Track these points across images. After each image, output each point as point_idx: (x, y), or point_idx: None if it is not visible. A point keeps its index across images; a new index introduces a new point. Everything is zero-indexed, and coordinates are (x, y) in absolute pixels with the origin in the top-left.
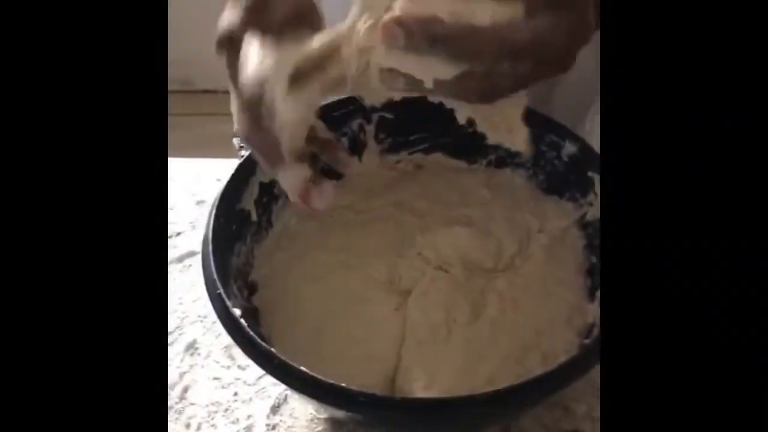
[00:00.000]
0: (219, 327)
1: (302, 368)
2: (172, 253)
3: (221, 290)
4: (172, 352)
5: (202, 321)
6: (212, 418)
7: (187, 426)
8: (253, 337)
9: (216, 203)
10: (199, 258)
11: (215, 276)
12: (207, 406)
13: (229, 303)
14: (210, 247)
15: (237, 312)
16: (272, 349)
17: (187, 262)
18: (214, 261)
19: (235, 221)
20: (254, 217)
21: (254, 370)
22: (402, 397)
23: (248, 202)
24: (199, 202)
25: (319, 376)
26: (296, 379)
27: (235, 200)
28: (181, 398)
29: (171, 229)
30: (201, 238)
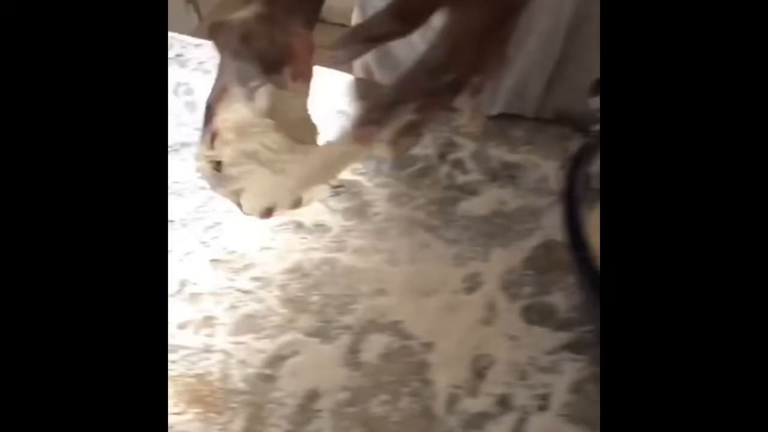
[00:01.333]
0: (513, 287)
1: None
2: None
3: (586, 244)
4: (469, 304)
5: (499, 278)
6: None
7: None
8: None
9: (572, 164)
10: None
11: (580, 230)
12: (504, 364)
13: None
14: (571, 205)
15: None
16: None
17: None
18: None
19: (581, 185)
20: (594, 184)
21: (552, 339)
22: None
23: (594, 166)
24: None
25: None
26: None
27: (585, 164)
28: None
29: None
30: None
